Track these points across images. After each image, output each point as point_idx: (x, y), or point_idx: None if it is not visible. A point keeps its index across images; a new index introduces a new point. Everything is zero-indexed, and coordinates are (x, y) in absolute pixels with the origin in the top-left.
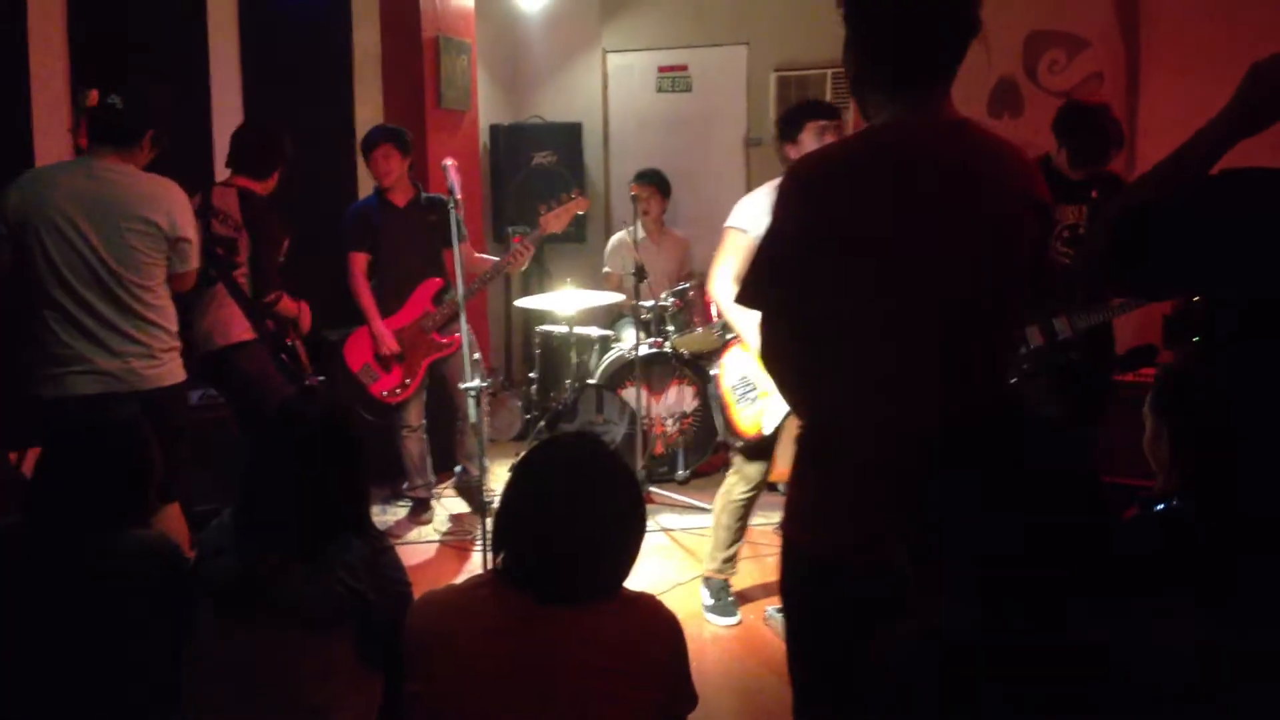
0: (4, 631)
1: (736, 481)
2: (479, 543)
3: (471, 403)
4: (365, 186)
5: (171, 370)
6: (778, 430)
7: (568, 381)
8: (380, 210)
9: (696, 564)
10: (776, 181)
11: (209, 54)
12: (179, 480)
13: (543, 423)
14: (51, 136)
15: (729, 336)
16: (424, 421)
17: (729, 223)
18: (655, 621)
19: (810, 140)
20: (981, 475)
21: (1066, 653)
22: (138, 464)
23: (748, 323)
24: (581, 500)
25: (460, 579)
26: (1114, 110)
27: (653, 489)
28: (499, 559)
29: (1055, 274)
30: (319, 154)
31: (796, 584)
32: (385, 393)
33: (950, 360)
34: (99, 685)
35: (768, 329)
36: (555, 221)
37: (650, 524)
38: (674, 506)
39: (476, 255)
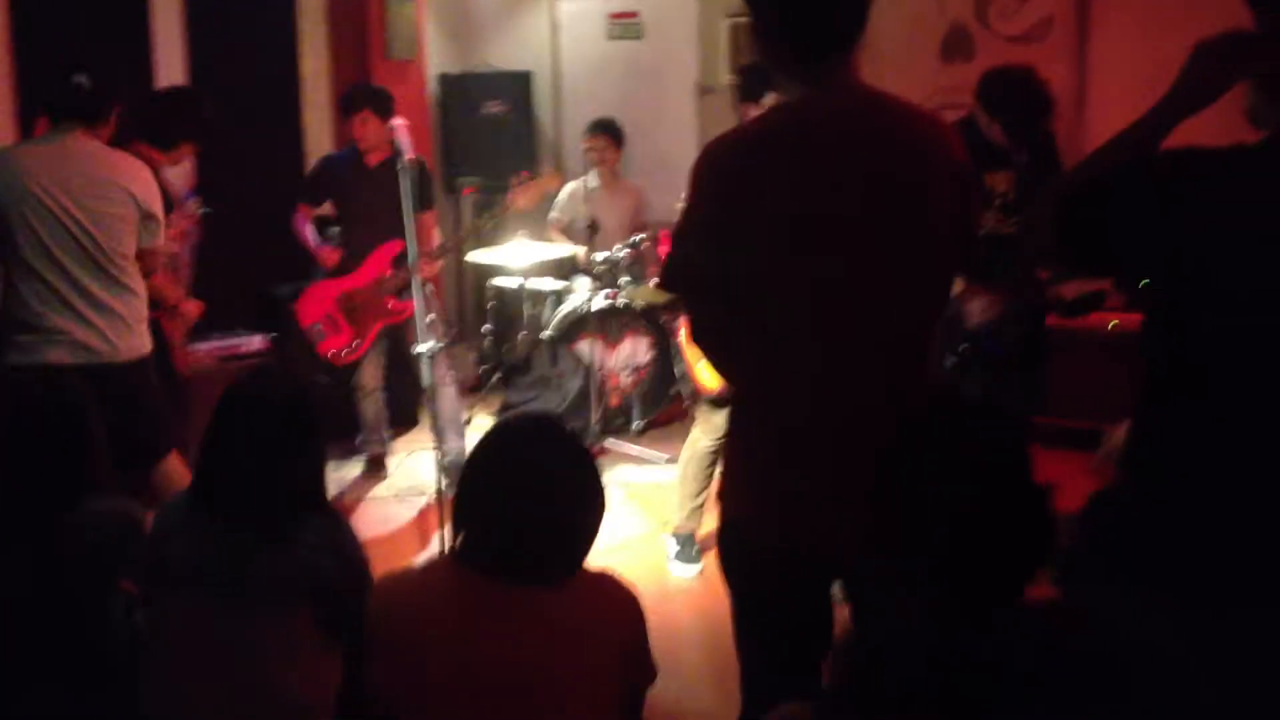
0: None
1: (702, 433)
2: (433, 500)
3: (425, 366)
4: (312, 138)
5: (144, 340)
6: None
7: (522, 334)
8: (351, 167)
9: (653, 518)
10: None
11: (150, 6)
12: (176, 431)
13: (497, 375)
14: None
15: None
16: (380, 384)
17: None
18: (615, 599)
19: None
20: (912, 460)
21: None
22: (74, 440)
23: None
24: (540, 481)
25: (418, 545)
26: (1057, 55)
27: (608, 442)
28: (457, 540)
29: (980, 240)
30: (264, 105)
31: (733, 555)
32: (333, 352)
33: (873, 330)
34: (53, 661)
35: (692, 310)
36: (524, 197)
37: (605, 477)
38: (629, 459)
39: (431, 230)
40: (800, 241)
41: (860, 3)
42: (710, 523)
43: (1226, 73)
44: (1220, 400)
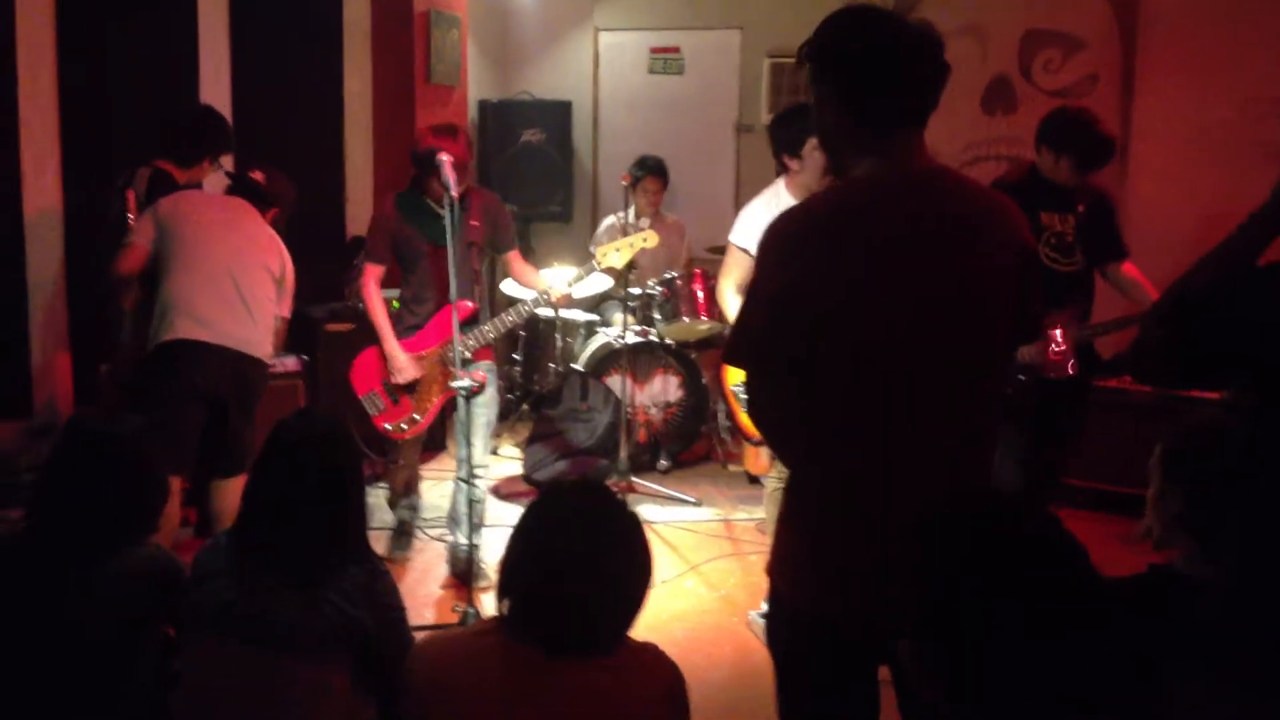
0: None
1: (776, 475)
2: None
3: (461, 403)
4: (353, 158)
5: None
6: None
7: (552, 365)
8: (422, 217)
9: (679, 560)
10: (773, 191)
11: (198, 25)
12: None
13: (525, 405)
14: (38, 116)
15: None
16: (417, 461)
17: (732, 238)
18: (657, 672)
19: (811, 155)
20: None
21: None
22: (142, 481)
23: None
24: (589, 551)
25: (439, 579)
26: (1102, 113)
27: (634, 479)
28: (503, 606)
29: (1040, 317)
30: (306, 125)
31: (783, 635)
32: (390, 426)
33: (935, 415)
34: (86, 704)
35: (754, 386)
36: (617, 257)
37: None
38: (655, 497)
39: (523, 263)
40: (861, 324)
41: (934, 82)
42: (727, 575)
43: None
44: None
